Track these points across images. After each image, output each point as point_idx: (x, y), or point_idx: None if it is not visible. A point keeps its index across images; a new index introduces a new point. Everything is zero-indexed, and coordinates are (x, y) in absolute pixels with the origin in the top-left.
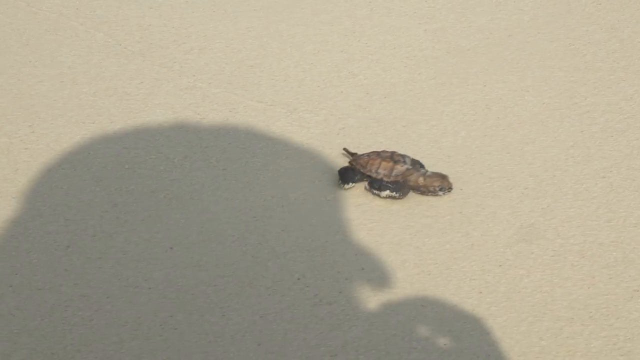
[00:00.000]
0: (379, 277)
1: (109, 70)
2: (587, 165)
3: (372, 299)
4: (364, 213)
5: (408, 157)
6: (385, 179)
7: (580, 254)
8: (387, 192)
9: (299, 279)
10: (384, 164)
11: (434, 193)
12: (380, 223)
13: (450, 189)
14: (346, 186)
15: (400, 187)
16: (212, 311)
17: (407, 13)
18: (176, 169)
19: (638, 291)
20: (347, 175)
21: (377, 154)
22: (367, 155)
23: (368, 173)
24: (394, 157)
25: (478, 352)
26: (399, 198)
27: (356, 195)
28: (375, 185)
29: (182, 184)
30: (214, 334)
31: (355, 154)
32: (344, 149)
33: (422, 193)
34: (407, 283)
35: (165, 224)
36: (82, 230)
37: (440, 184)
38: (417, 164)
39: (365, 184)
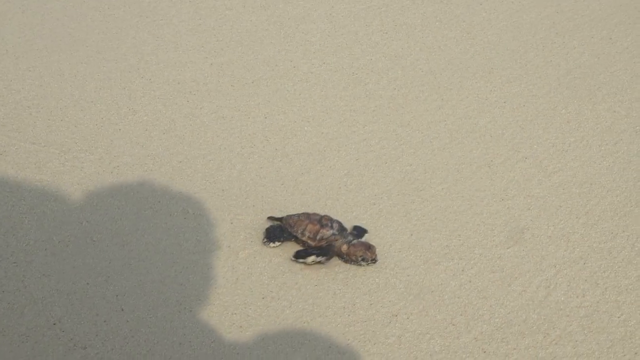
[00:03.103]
0: (139, 317)
1: None
2: (359, 192)
3: (129, 341)
4: (130, 252)
5: (337, 222)
6: (309, 241)
7: (344, 282)
8: (313, 258)
9: (54, 324)
10: (310, 226)
11: (356, 262)
12: (145, 262)
13: (374, 260)
14: (272, 244)
15: (326, 252)
16: None
17: (194, 47)
18: None
19: (397, 315)
20: (274, 233)
21: (307, 215)
22: (297, 216)
23: (295, 233)
24: (322, 221)
25: None
26: (324, 262)
27: (122, 234)
28: (301, 254)
29: None
30: None
31: (281, 218)
32: (269, 217)
33: (345, 261)
34: (166, 321)
35: None
36: None
37: (362, 254)
38: (344, 231)
39: (293, 248)
